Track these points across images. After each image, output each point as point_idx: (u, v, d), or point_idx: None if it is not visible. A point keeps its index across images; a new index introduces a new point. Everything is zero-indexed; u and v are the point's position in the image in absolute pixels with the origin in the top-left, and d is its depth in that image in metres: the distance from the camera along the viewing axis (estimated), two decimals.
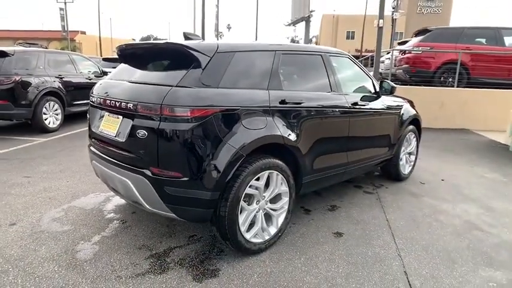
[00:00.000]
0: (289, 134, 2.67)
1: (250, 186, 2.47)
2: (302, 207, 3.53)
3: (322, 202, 3.71)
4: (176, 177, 2.25)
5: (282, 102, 2.66)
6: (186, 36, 2.90)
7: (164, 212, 2.38)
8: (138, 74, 2.62)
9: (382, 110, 3.80)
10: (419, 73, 8.57)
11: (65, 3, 30.50)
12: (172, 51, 2.50)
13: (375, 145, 3.82)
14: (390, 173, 4.44)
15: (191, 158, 2.23)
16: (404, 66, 8.86)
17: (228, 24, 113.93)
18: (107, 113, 2.67)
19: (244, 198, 2.50)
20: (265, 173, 2.55)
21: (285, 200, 2.78)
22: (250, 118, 2.43)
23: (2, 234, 2.85)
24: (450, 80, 8.62)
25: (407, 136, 4.39)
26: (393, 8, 20.43)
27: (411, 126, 4.44)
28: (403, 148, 4.36)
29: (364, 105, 3.49)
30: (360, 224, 3.21)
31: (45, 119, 6.56)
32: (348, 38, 43.22)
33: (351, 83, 3.59)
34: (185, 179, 2.25)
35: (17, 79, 6.09)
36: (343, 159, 3.35)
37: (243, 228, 2.47)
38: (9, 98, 6.02)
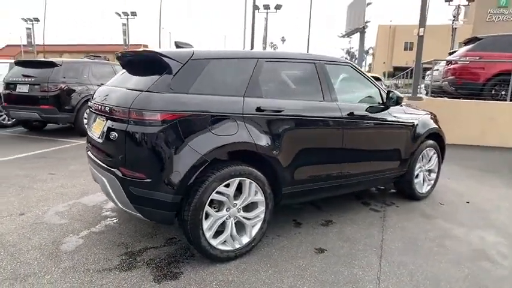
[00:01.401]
0: (265, 142, 2.63)
1: (218, 193, 2.47)
2: (294, 220, 3.42)
3: (318, 216, 3.55)
4: (140, 178, 2.34)
5: (259, 109, 2.64)
6: (177, 45, 3.02)
7: (133, 211, 2.47)
8: (124, 79, 2.79)
9: (388, 121, 3.56)
10: (466, 85, 7.88)
11: (127, 19, 33.37)
12: (149, 58, 2.62)
13: (379, 159, 3.58)
14: (403, 190, 4.12)
15: (154, 160, 2.31)
16: (450, 78, 8.22)
17: (283, 37, 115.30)
18: (97, 117, 2.86)
19: (213, 204, 2.51)
20: (236, 180, 2.53)
21: (261, 209, 2.72)
22: (218, 124, 2.44)
23: (10, 222, 3.16)
24: (503, 93, 7.79)
25: (424, 152, 4.05)
26: (454, 17, 19.17)
27: (430, 141, 4.09)
28: (418, 164, 4.03)
29: (363, 116, 3.30)
30: (348, 242, 3.02)
31: (86, 123, 7.18)
32: (405, 49, 41.21)
33: (351, 92, 3.44)
34: (148, 180, 2.32)
35: (62, 87, 6.79)
36: (337, 172, 3.19)
37: (208, 234, 2.47)
38: (55, 104, 6.73)
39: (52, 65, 6.89)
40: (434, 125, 4.14)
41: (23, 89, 6.74)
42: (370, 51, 57.73)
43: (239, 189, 2.60)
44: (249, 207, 2.71)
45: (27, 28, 35.62)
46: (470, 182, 5.04)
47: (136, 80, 2.61)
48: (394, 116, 3.61)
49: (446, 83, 8.33)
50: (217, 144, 2.40)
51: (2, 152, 5.79)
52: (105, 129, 2.51)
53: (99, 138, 2.64)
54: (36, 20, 35.03)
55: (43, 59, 8.06)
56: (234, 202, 2.59)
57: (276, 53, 3.10)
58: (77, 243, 2.81)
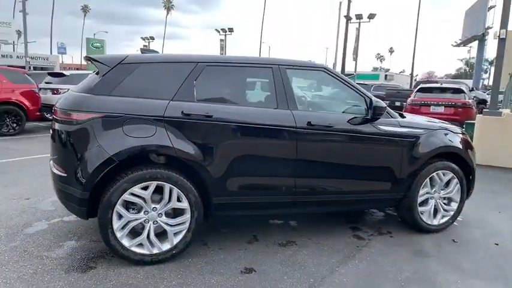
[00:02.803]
0: (188, 147, 2.54)
1: (132, 194, 2.48)
2: (254, 236, 3.17)
3: (284, 234, 3.23)
4: (61, 173, 2.51)
5: (184, 114, 2.57)
6: (142, 51, 3.17)
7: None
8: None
9: (368, 134, 3.02)
10: None
11: (225, 35, 35.95)
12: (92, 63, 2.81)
13: (355, 177, 3.07)
14: (404, 218, 3.45)
15: (68, 156, 2.47)
16: None
17: (391, 48, 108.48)
18: None
19: (133, 205, 2.54)
20: (153, 184, 2.51)
21: (186, 217, 2.63)
22: (134, 126, 2.47)
23: (13, 203, 3.73)
24: None
25: (434, 175, 3.32)
26: None
27: (443, 163, 3.34)
28: (425, 189, 3.32)
29: (329, 126, 2.90)
30: (291, 267, 2.67)
31: None
32: None
33: (322, 100, 3.07)
34: (65, 175, 2.48)
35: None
36: (288, 187, 2.87)
37: (119, 234, 2.49)
38: None
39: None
40: (450, 143, 3.37)
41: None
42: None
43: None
44: (174, 213, 2.64)
45: (144, 45, 41.78)
46: None
47: (83, 82, 2.82)
48: (378, 128, 3.06)
49: None
50: (128, 146, 2.43)
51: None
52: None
53: None
54: (152, 38, 40.60)
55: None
56: (154, 206, 2.57)
57: (219, 57, 2.98)
58: (40, 228, 3.16)
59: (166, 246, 2.62)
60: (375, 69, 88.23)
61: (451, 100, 9.44)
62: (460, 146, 3.45)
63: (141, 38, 42.71)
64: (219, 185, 2.67)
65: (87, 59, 2.71)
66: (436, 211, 3.46)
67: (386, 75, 48.39)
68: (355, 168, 3.06)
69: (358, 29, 26.09)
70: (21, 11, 19.11)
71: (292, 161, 2.83)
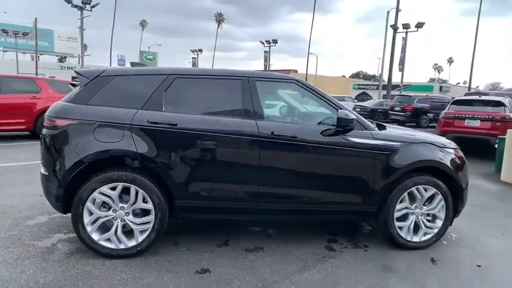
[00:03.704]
0: (151, 152, 2.78)
1: (101, 193, 2.76)
2: (226, 240, 3.31)
3: (257, 240, 3.32)
4: (44, 172, 2.88)
5: (150, 122, 2.81)
6: (132, 64, 3.51)
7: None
8: None
9: (335, 145, 3.03)
10: None
11: (269, 47, 36.57)
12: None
13: (322, 188, 3.08)
14: (382, 233, 3.37)
15: (50, 157, 2.82)
16: None
17: (450, 58, 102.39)
18: None
19: (104, 204, 2.82)
20: (119, 185, 2.77)
21: (151, 217, 2.85)
22: (103, 132, 2.76)
23: (27, 199, 4.23)
24: None
25: (415, 189, 3.21)
26: None
27: (425, 177, 3.22)
28: (403, 204, 3.23)
29: (292, 137, 2.97)
30: (246, 272, 2.76)
31: None
32: None
33: (290, 111, 3.14)
34: (46, 173, 2.84)
35: None
36: (250, 194, 2.97)
37: (89, 228, 2.77)
38: None
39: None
40: (429, 157, 3.24)
41: None
42: None
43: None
44: (143, 213, 2.88)
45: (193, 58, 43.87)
46: None
47: (69, 93, 3.18)
48: (348, 140, 3.05)
49: None
50: (97, 149, 2.72)
51: None
52: None
53: None
54: (200, 50, 42.59)
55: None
56: (122, 205, 2.82)
57: (190, 70, 3.18)
58: (40, 221, 3.58)
59: (132, 243, 2.85)
60: (432, 80, 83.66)
61: (488, 113, 8.77)
62: (444, 161, 3.30)
63: (191, 50, 45.15)
64: (181, 189, 2.86)
65: (76, 72, 3.08)
66: (417, 227, 3.33)
67: (441, 87, 45.73)
68: (320, 179, 3.09)
69: (404, 39, 25.13)
70: (79, 27, 21.21)
71: (255, 168, 2.94)
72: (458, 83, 58.68)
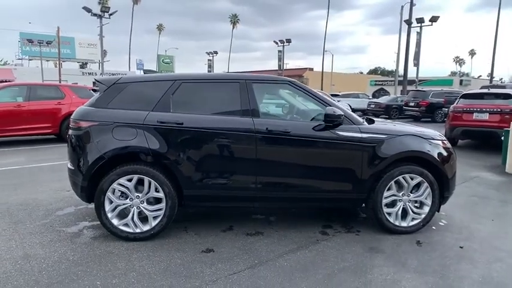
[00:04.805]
0: (161, 148, 3.19)
1: (120, 184, 3.20)
2: (230, 226, 3.69)
3: (259, 226, 3.69)
4: (71, 166, 3.35)
5: (160, 122, 3.23)
6: (144, 72, 3.96)
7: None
8: None
9: (325, 139, 3.37)
10: None
11: (283, 46, 36.86)
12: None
13: (313, 176, 3.42)
14: (371, 217, 3.67)
15: (75, 154, 3.28)
16: None
17: (472, 50, 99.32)
18: None
19: (122, 193, 3.26)
20: (134, 177, 3.20)
21: (162, 205, 3.27)
22: (120, 131, 3.19)
23: (56, 194, 4.75)
24: None
25: (401, 178, 3.50)
26: None
27: (410, 167, 3.50)
28: (390, 192, 3.52)
29: (286, 132, 3.32)
30: (243, 251, 3.14)
31: None
32: None
33: (284, 109, 3.50)
34: (73, 168, 3.31)
35: None
36: (249, 184, 3.34)
37: (110, 215, 3.22)
38: None
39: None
40: (414, 148, 3.52)
41: None
42: None
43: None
44: (155, 201, 3.30)
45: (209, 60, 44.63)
46: None
47: (91, 98, 3.64)
48: (336, 134, 3.38)
49: None
50: (115, 146, 3.16)
51: None
52: None
53: None
54: (216, 52, 43.31)
55: None
56: (137, 194, 3.25)
57: (194, 75, 3.57)
58: (68, 211, 4.07)
59: (146, 227, 3.28)
60: (453, 74, 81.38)
61: (497, 106, 8.79)
62: (430, 152, 3.56)
63: (206, 52, 46.06)
64: (188, 180, 3.27)
65: (95, 80, 3.54)
66: (406, 213, 3.61)
67: (461, 80, 44.73)
68: (312, 169, 3.43)
69: (419, 33, 24.87)
70: (99, 34, 22.17)
71: (252, 160, 3.32)
72: (480, 76, 57.11)
